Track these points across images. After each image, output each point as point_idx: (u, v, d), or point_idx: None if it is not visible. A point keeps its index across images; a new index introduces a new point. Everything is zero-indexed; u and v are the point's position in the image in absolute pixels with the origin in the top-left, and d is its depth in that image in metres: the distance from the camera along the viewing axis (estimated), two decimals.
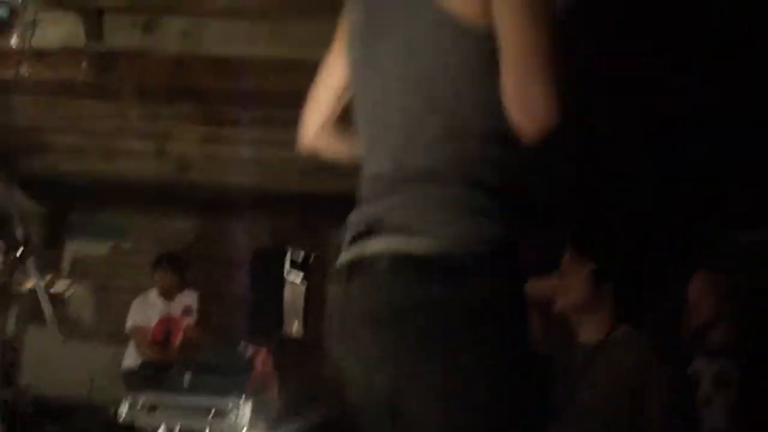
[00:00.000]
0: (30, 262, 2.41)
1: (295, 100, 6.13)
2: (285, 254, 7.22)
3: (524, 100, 1.54)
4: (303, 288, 7.49)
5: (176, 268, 7.20)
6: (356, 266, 1.71)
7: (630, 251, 4.02)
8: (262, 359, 5.30)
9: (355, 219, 1.78)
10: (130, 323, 6.73)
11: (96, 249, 9.27)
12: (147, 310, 6.91)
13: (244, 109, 6.31)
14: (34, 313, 8.22)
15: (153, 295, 7.06)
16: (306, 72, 5.56)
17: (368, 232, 1.67)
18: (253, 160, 7.51)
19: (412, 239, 1.57)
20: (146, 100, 6.36)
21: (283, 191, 8.02)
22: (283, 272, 7.16)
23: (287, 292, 7.20)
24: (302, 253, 7.47)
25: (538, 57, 1.55)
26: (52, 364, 6.69)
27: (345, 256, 1.78)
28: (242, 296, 8.14)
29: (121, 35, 5.22)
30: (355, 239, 1.74)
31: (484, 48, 1.59)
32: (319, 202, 8.15)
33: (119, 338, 5.74)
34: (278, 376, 5.38)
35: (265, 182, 7.98)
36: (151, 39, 5.16)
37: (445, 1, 1.59)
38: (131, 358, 6.73)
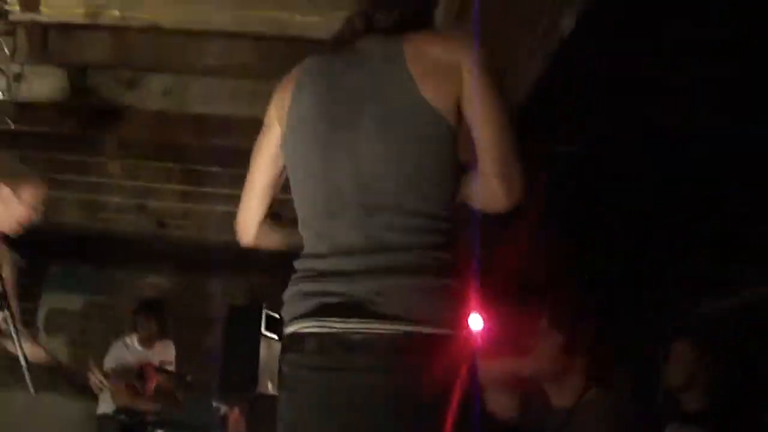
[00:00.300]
0: (5, 316, 2.41)
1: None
2: (261, 311, 7.18)
3: (506, 174, 1.81)
4: (278, 347, 7.44)
5: (157, 314, 7.16)
6: (340, 342, 1.76)
7: (604, 320, 4.05)
8: (234, 418, 5.26)
9: (317, 290, 1.85)
10: (107, 365, 6.64)
11: (72, 302, 9.22)
12: (125, 354, 6.84)
13: (223, 167, 6.35)
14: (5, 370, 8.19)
15: (132, 340, 7.00)
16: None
17: (347, 309, 1.75)
18: (232, 217, 7.54)
19: (410, 324, 1.70)
20: (128, 155, 6.39)
21: (261, 249, 8.04)
22: (258, 329, 7.12)
23: (263, 350, 7.14)
24: (279, 312, 7.44)
25: (513, 137, 1.82)
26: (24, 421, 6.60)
27: (310, 327, 1.83)
28: (216, 353, 8.10)
29: (105, 91, 5.27)
30: (322, 312, 1.80)
31: (453, 134, 1.83)
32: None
33: (92, 392, 5.69)
34: None
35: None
36: (134, 95, 5.21)
37: (425, 91, 1.79)
38: (106, 404, 6.64)
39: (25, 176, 3.30)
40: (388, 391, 1.70)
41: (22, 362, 2.31)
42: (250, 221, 2.26)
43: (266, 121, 2.15)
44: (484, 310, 3.47)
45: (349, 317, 1.73)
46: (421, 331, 1.70)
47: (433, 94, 1.80)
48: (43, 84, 5.22)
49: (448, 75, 1.82)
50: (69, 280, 9.26)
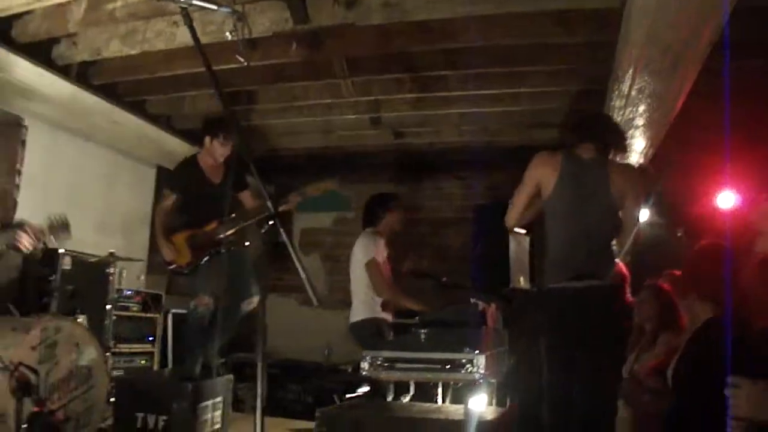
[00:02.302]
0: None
1: (502, 55, 6.12)
2: (506, 209, 7.19)
3: (623, 239, 4.48)
4: (527, 241, 7.44)
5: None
6: (582, 291, 4.24)
7: None
8: (491, 314, 5.34)
9: (569, 265, 4.33)
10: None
11: (321, 220, 9.68)
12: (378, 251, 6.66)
13: (452, 69, 6.35)
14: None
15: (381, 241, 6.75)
16: (508, 26, 5.54)
17: (581, 276, 4.25)
18: (466, 118, 7.57)
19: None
20: (357, 72, 6.52)
21: (499, 145, 8.03)
22: (505, 227, 7.14)
23: (512, 245, 7.17)
24: None
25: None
26: (293, 330, 7.04)
27: (569, 285, 4.28)
28: (466, 253, 8.24)
29: (326, 14, 5.37)
30: (572, 278, 4.27)
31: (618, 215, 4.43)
32: (534, 154, 8.10)
33: (349, 303, 5.94)
34: (507, 330, 5.40)
35: (479, 139, 8.02)
36: (355, 13, 5.28)
37: (613, 191, 4.33)
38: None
39: None
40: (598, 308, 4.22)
41: (303, 275, 2.46)
42: (513, 220, 4.72)
43: (531, 175, 4.51)
44: None
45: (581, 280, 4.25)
46: (607, 284, 4.30)
47: (616, 195, 4.34)
48: (265, 18, 5.40)
49: (625, 189, 4.35)
50: (316, 200, 9.68)
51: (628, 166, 5.02)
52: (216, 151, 5.74)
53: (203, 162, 5.81)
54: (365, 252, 5.90)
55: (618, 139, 4.60)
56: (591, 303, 4.18)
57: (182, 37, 5.75)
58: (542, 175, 4.40)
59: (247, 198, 5.85)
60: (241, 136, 2.79)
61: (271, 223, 2.65)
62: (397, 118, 7.77)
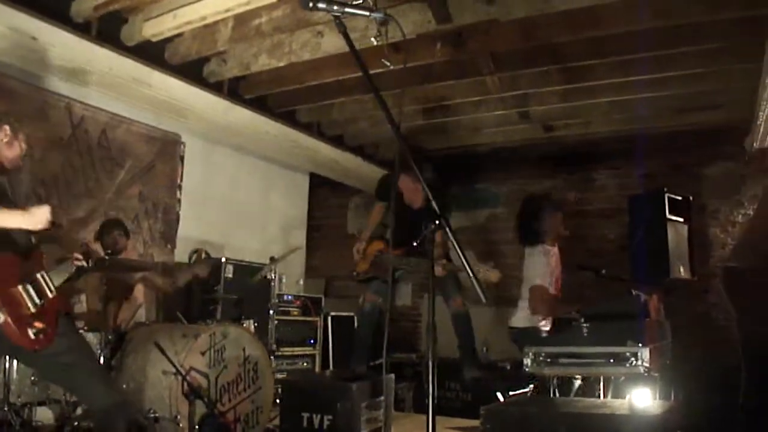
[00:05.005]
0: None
1: (649, 39, 5.93)
2: (663, 196, 6.97)
3: None
4: (685, 230, 7.20)
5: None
6: None
7: None
8: (653, 305, 5.21)
9: None
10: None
11: (473, 218, 9.65)
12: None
13: (599, 58, 6.20)
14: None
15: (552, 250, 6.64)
16: (654, 9, 5.36)
17: None
18: (616, 107, 7.38)
19: None
20: (503, 67, 6.47)
21: (652, 133, 7.79)
22: (663, 215, 6.93)
23: (670, 234, 6.96)
24: (680, 195, 7.19)
25: None
26: (450, 329, 7.03)
27: None
28: (625, 244, 8.05)
29: (468, 12, 5.36)
30: None
31: None
32: (689, 140, 7.83)
33: (507, 301, 5.88)
34: (669, 321, 5.24)
35: (632, 127, 7.81)
36: (497, 9, 5.24)
37: None
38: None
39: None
40: None
41: (470, 274, 2.48)
42: None
43: None
44: None
45: None
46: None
47: None
48: (408, 21, 5.44)
49: None
50: (467, 198, 9.68)
51: None
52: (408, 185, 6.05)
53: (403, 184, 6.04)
54: (534, 273, 5.74)
55: None
56: None
57: (327, 46, 5.92)
58: None
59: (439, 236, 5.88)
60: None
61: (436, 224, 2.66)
62: (545, 111, 7.66)
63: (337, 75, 6.60)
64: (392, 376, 5.86)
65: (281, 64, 6.26)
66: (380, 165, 9.11)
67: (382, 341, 5.64)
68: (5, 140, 3.64)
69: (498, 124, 8.15)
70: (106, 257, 3.64)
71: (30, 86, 6.08)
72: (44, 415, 5.60)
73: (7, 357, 4.93)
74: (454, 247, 2.61)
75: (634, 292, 5.08)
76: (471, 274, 2.54)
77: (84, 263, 3.61)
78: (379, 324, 5.90)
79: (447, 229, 2.60)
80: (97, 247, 5.59)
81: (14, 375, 5.09)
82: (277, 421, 5.57)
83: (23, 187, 3.81)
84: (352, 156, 8.78)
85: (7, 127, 3.65)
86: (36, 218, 3.38)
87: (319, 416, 5.16)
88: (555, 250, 5.77)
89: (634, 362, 3.95)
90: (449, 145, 8.93)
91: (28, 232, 3.53)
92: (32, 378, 5.20)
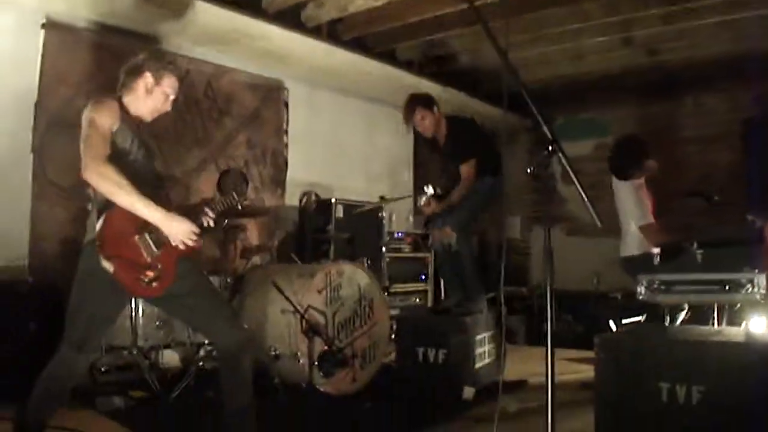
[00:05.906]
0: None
1: None
2: None
3: None
4: None
5: None
6: None
7: None
8: None
9: None
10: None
11: (581, 148, 9.51)
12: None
13: None
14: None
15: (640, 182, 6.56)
16: None
17: None
18: (722, 27, 7.11)
19: None
20: None
21: (763, 53, 7.49)
22: None
23: None
24: None
25: None
26: (560, 261, 7.03)
27: None
28: (737, 169, 7.85)
29: None
30: None
31: None
32: None
33: (616, 231, 5.80)
34: None
35: (740, 47, 7.51)
36: None
37: None
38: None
39: (165, 68, 3.54)
40: None
41: (584, 198, 2.52)
42: None
43: None
44: None
45: None
46: None
47: None
48: None
49: None
50: (573, 128, 9.57)
51: None
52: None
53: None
54: (630, 208, 5.63)
55: None
56: None
57: None
58: None
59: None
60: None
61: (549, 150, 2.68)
62: (648, 36, 7.42)
63: (435, 10, 6.57)
64: (504, 309, 5.91)
65: (378, 3, 6.27)
66: (485, 99, 9.04)
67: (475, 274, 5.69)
68: (147, 89, 3.53)
69: (601, 51, 7.97)
70: (237, 205, 3.66)
71: (134, 44, 6.22)
72: (170, 357, 5.90)
73: (133, 301, 5.17)
74: (569, 173, 2.63)
75: (749, 218, 4.95)
76: (585, 198, 2.56)
77: (211, 222, 3.61)
78: (454, 258, 5.81)
79: (560, 154, 2.62)
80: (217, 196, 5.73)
81: (140, 320, 5.37)
82: (393, 357, 5.74)
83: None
84: (455, 91, 8.74)
85: (148, 74, 3.51)
86: (173, 229, 3.32)
87: (433, 350, 5.28)
88: (642, 181, 5.65)
89: (751, 289, 3.89)
90: (552, 74, 8.79)
91: (157, 178, 3.63)
92: (157, 322, 5.48)
